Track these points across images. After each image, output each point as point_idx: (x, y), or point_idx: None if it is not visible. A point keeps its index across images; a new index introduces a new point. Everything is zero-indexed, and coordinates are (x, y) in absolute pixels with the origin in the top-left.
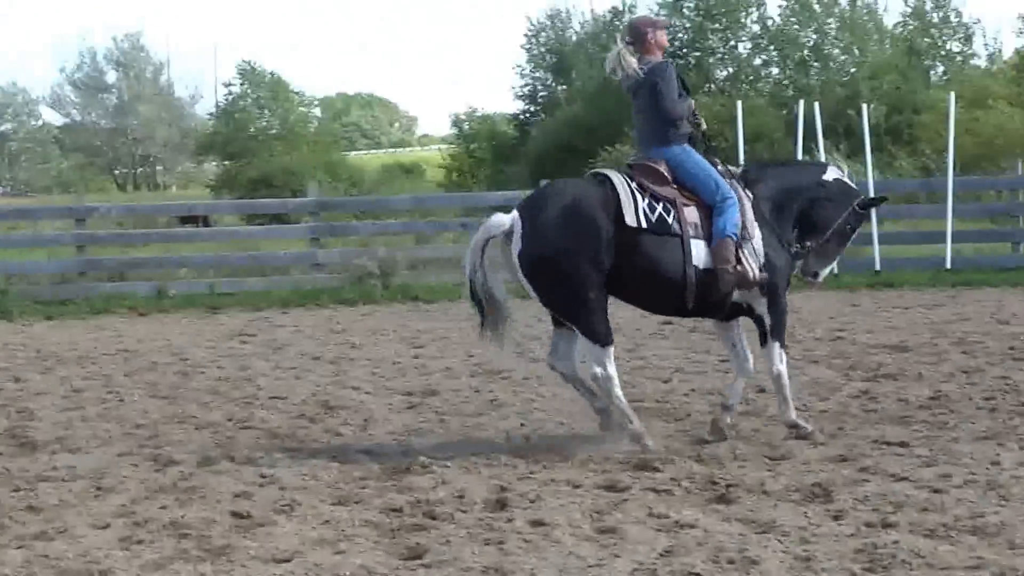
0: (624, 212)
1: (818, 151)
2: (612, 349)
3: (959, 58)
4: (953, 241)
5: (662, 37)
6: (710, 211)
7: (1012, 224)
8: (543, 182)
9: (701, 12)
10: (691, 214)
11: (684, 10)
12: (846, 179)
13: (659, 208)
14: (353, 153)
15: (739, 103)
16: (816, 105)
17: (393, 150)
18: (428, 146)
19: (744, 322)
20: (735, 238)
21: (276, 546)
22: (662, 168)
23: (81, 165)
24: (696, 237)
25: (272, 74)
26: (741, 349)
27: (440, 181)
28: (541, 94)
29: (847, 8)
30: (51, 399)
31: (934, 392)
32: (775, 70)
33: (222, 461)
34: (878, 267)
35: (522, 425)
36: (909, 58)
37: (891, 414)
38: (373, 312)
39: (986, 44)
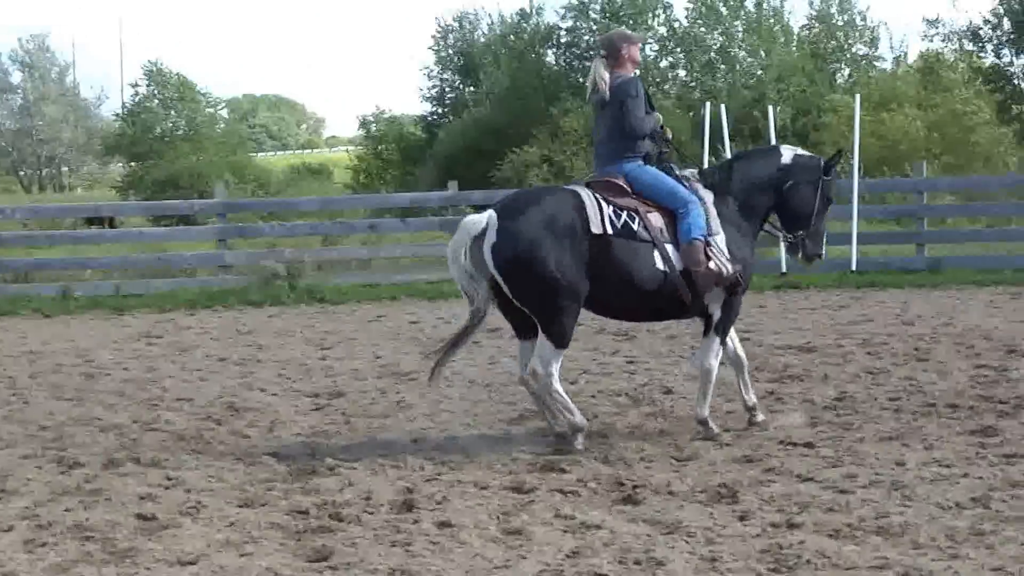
0: (590, 221)
1: (724, 154)
2: (562, 355)
3: (864, 61)
4: (858, 243)
5: (635, 52)
6: (674, 216)
7: (917, 226)
8: (451, 183)
9: (608, 14)
10: (656, 219)
11: (590, 12)
12: (802, 153)
13: (623, 215)
14: (260, 154)
15: None
16: (723, 107)
17: (300, 151)
18: (336, 147)
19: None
20: (702, 239)
21: (181, 548)
22: (620, 182)
23: None
24: (666, 241)
25: (178, 75)
26: (732, 345)
27: (348, 183)
28: (449, 96)
29: (753, 11)
30: None
31: (839, 393)
32: (682, 72)
33: (127, 463)
34: (784, 269)
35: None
36: (815, 61)
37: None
38: (280, 314)
39: (892, 47)
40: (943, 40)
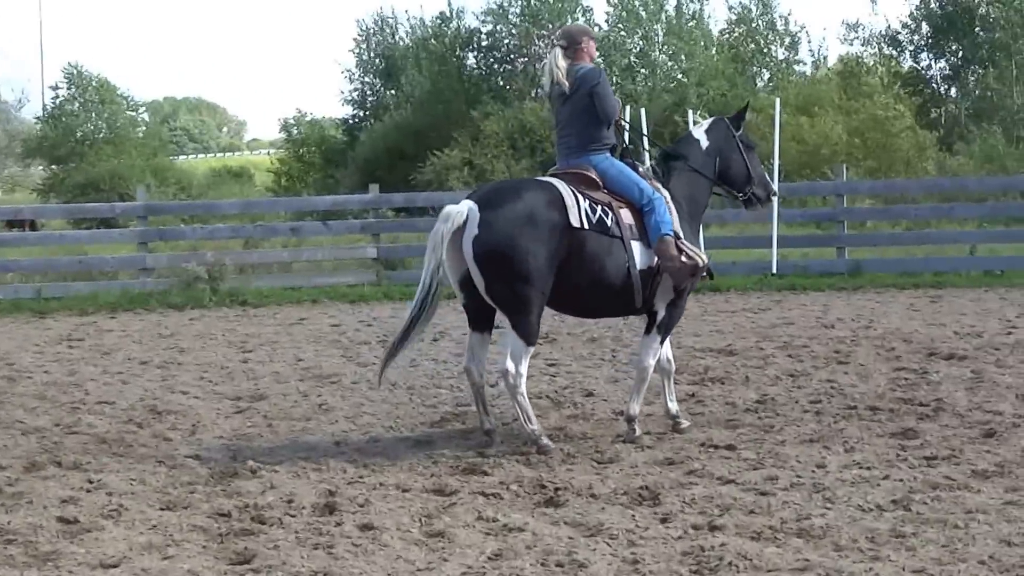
0: (569, 214)
1: (644, 157)
2: (532, 351)
3: (784, 64)
4: (779, 246)
5: (593, 47)
6: (640, 213)
7: (837, 229)
8: (372, 186)
9: (528, 18)
10: (626, 215)
11: (510, 16)
12: (707, 123)
13: (598, 210)
14: (181, 157)
15: None
16: (643, 111)
17: (222, 154)
18: (257, 150)
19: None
20: (672, 234)
21: (103, 552)
22: (592, 174)
23: None
24: (634, 238)
25: (99, 77)
26: (664, 351)
27: (269, 186)
28: (370, 99)
29: (673, 14)
30: None
31: (760, 396)
32: None
33: (49, 466)
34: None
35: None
36: (735, 64)
37: (718, 417)
38: (202, 317)
39: (811, 50)
40: (863, 44)
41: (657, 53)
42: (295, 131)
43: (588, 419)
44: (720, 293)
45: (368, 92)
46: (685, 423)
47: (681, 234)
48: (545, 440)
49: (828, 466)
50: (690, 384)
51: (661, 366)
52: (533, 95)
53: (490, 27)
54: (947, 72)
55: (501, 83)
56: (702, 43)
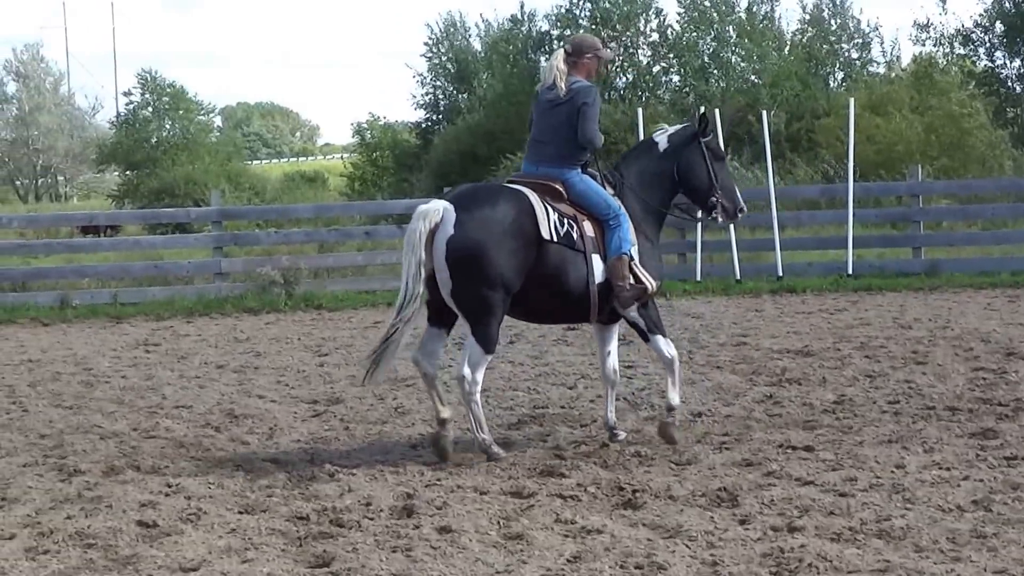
0: (540, 226)
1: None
2: (489, 359)
3: (858, 64)
4: (854, 247)
5: (594, 66)
6: (602, 227)
7: (913, 229)
8: (447, 189)
9: (598, 21)
10: (588, 229)
11: (581, 19)
12: (672, 129)
13: (565, 223)
14: (255, 162)
15: (640, 110)
16: (717, 112)
17: (295, 159)
18: (330, 155)
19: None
20: (628, 255)
21: (183, 555)
22: (557, 186)
23: None
24: (595, 252)
25: (172, 83)
26: (611, 361)
27: (342, 190)
28: (442, 102)
29: (744, 16)
30: None
31: (838, 396)
32: (675, 77)
33: (127, 471)
34: (780, 273)
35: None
36: (808, 65)
37: (796, 418)
38: (277, 321)
39: (883, 51)
40: (934, 44)
41: (729, 54)
42: (368, 135)
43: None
44: (796, 294)
45: (440, 96)
46: (622, 435)
47: (636, 256)
48: (496, 448)
49: (907, 467)
50: (768, 385)
51: (606, 374)
52: (606, 97)
53: (561, 30)
54: (1023, 71)
55: None
56: (775, 44)
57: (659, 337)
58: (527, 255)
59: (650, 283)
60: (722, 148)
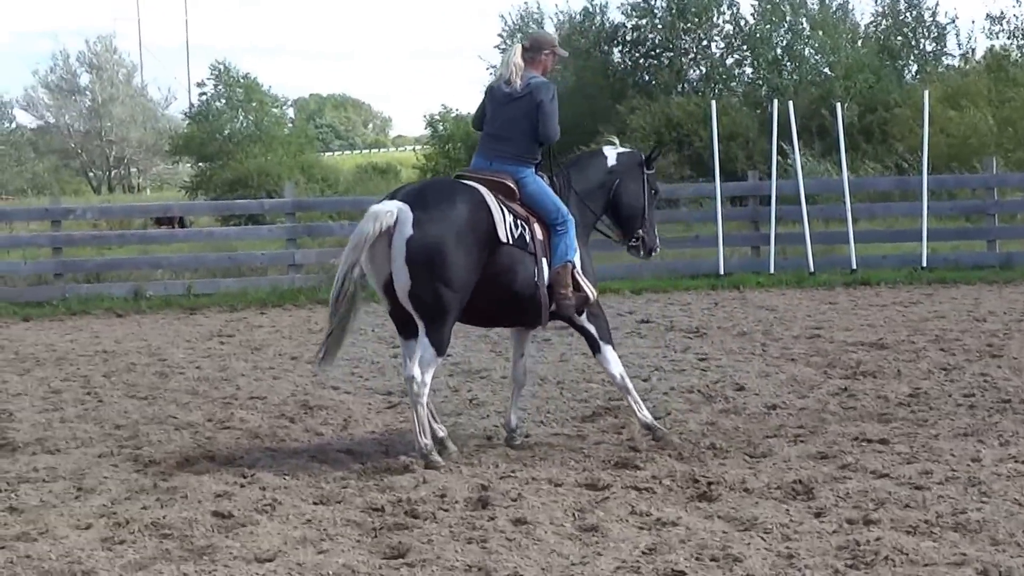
0: (496, 227)
1: (792, 150)
2: (440, 362)
3: (932, 57)
4: (928, 239)
5: (551, 62)
6: (550, 231)
7: (987, 222)
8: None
9: (673, 12)
10: (539, 232)
11: (656, 11)
12: (622, 149)
13: (520, 224)
14: (327, 154)
15: (713, 103)
16: (790, 104)
17: (367, 151)
18: (402, 147)
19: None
20: (572, 263)
21: (258, 546)
22: (510, 184)
23: (55, 167)
24: (544, 255)
25: (246, 76)
26: (522, 362)
27: (414, 181)
28: None
29: (817, 8)
30: (30, 400)
31: (913, 389)
32: (748, 70)
33: (202, 461)
34: (854, 265)
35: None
36: (882, 57)
37: (871, 411)
38: None
39: (959, 43)
40: (1008, 37)
41: (803, 46)
42: (441, 127)
43: (739, 413)
44: (870, 287)
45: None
46: (519, 440)
47: (578, 264)
48: (435, 456)
49: (983, 460)
50: (842, 378)
51: (516, 376)
52: (679, 89)
53: (635, 21)
54: None
55: (647, 78)
56: (848, 36)
57: (608, 349)
58: (482, 254)
59: (591, 292)
60: (657, 186)
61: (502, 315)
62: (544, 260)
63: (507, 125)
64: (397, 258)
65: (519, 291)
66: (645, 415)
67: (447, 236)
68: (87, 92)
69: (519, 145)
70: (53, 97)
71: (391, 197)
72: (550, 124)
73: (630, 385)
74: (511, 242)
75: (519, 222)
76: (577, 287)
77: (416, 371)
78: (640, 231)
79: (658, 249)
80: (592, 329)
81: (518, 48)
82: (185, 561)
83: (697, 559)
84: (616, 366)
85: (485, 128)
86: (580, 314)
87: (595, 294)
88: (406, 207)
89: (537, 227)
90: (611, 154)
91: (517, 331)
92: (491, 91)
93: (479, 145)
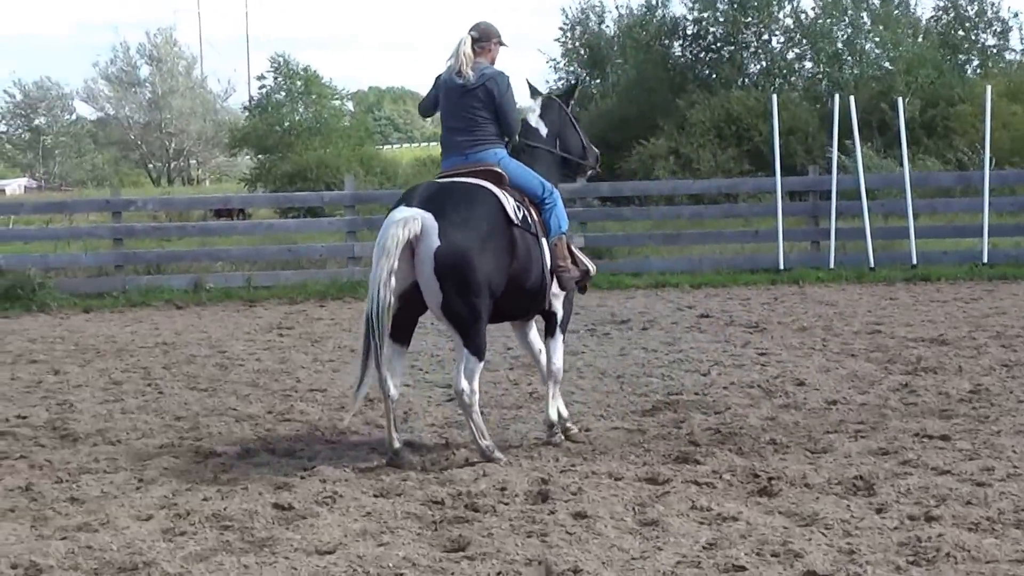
0: (512, 218)
1: (854, 146)
2: (482, 366)
3: (994, 51)
4: (990, 235)
5: (497, 53)
6: (539, 207)
7: None
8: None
9: (735, 6)
10: (534, 212)
11: (718, 4)
12: (537, 108)
13: (521, 208)
14: (386, 147)
15: (774, 97)
16: (851, 99)
17: (426, 144)
18: None
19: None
20: (567, 234)
21: (319, 538)
22: (498, 169)
23: (115, 159)
24: (543, 236)
25: (306, 68)
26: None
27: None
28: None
29: (879, 3)
30: (91, 391)
31: (974, 386)
32: (808, 64)
33: (263, 453)
34: (914, 261)
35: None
36: (943, 52)
37: (932, 407)
38: None
39: (1022, 38)
40: None
41: (864, 41)
42: None
43: (800, 408)
44: (931, 283)
45: (573, 81)
46: (574, 428)
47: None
48: (498, 453)
49: None
50: (903, 374)
51: (549, 371)
52: (740, 83)
53: (697, 15)
54: None
55: (707, 72)
56: (910, 30)
57: (560, 340)
58: (508, 252)
59: (591, 265)
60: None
61: (520, 306)
62: (543, 239)
63: (467, 116)
64: (425, 270)
65: (536, 276)
66: (554, 416)
67: (473, 243)
68: (147, 84)
69: (484, 131)
70: (113, 89)
71: (405, 202)
72: (510, 117)
73: (560, 378)
74: (521, 226)
75: (519, 206)
76: (574, 259)
77: (464, 383)
78: (590, 161)
79: (599, 158)
80: (560, 314)
81: (468, 39)
82: (246, 553)
83: (758, 554)
84: (560, 357)
85: (445, 122)
86: (583, 291)
87: (593, 268)
88: (429, 216)
89: (534, 208)
90: (538, 123)
91: (521, 326)
92: (443, 83)
93: (444, 141)
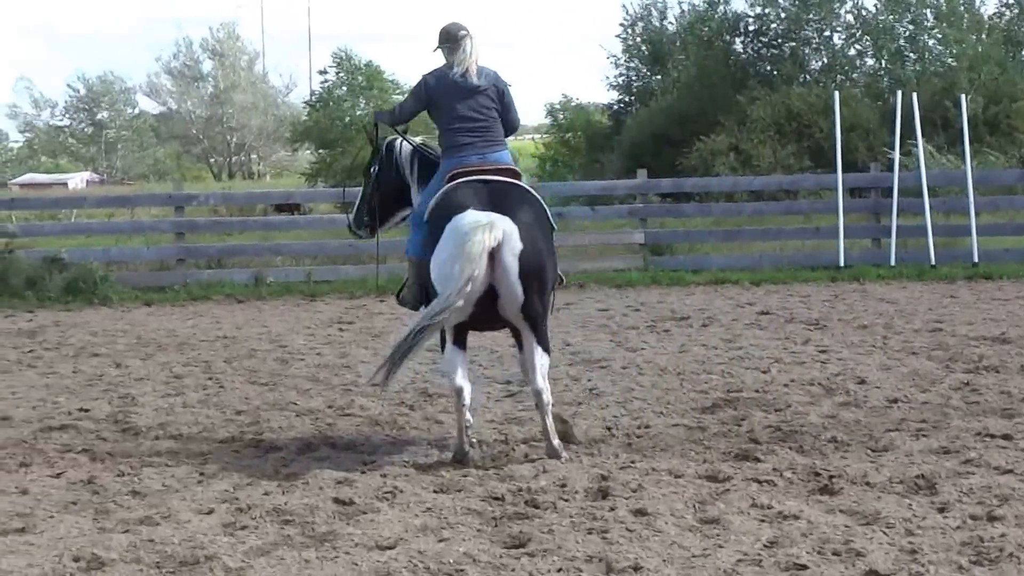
0: (548, 211)
1: (916, 143)
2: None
3: None
4: None
5: None
6: None
7: None
8: (640, 171)
9: (797, 2)
10: None
11: (780, 0)
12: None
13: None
14: None
15: (836, 93)
16: (914, 96)
17: None
18: (520, 135)
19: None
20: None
21: (379, 533)
22: (519, 170)
23: (177, 153)
24: None
25: (368, 63)
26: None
27: (533, 171)
28: (636, 84)
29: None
30: (152, 385)
31: None
32: (870, 60)
33: (323, 448)
34: (976, 259)
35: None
36: (1007, 48)
37: (994, 406)
38: None
39: None
40: None
41: (926, 38)
42: (560, 116)
43: (861, 406)
44: (992, 281)
45: (634, 77)
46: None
47: None
48: (566, 453)
49: None
50: (964, 372)
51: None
52: (801, 80)
53: (758, 11)
54: None
55: (768, 68)
56: (973, 27)
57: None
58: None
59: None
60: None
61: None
62: None
63: (480, 116)
64: (510, 275)
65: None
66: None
67: (547, 245)
68: (209, 79)
69: (497, 132)
70: (176, 84)
71: (467, 206)
72: (516, 112)
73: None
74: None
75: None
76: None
77: (541, 382)
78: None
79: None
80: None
81: (472, 39)
82: (307, 547)
83: (819, 553)
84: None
85: (450, 123)
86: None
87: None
88: (508, 220)
89: None
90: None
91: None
92: (449, 82)
93: (450, 141)
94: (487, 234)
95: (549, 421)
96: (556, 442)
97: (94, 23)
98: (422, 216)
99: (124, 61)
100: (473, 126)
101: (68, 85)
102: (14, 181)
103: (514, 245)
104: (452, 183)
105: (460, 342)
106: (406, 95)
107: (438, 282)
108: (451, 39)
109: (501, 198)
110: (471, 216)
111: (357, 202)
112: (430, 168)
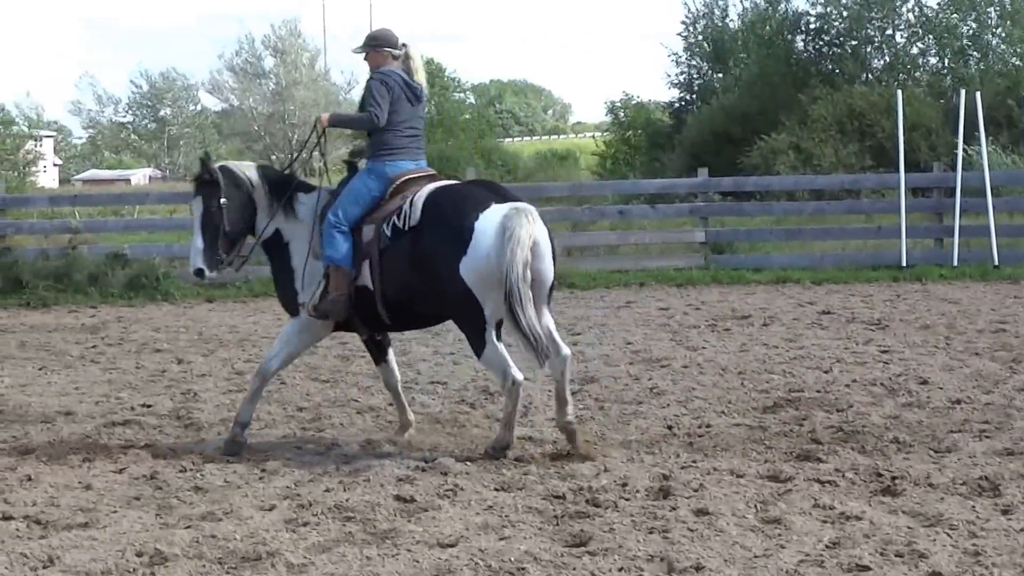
0: None
1: (979, 142)
2: None
3: None
4: None
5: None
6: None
7: None
8: (701, 170)
9: (859, 1)
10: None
11: (843, 1)
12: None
13: None
14: (507, 140)
15: (899, 92)
16: (977, 95)
17: (546, 137)
18: (581, 133)
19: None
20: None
21: (440, 531)
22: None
23: (239, 150)
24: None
25: (429, 61)
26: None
27: (593, 169)
28: (697, 82)
29: None
30: (214, 381)
31: None
32: (933, 59)
33: (384, 445)
34: None
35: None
36: None
37: None
38: None
39: None
40: None
41: (990, 36)
42: (621, 114)
43: (924, 407)
44: None
45: (695, 75)
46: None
47: None
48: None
49: None
50: None
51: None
52: (863, 79)
53: (820, 9)
54: None
55: (830, 66)
56: None
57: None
58: None
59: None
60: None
61: None
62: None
63: (421, 125)
64: (547, 260)
65: None
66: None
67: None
68: (271, 76)
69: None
70: (238, 80)
71: (492, 200)
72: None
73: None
74: None
75: None
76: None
77: (567, 349)
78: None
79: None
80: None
81: (416, 48)
82: (368, 544)
83: (882, 554)
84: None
85: (406, 128)
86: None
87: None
88: (530, 206)
89: None
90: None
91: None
92: (407, 87)
93: (397, 143)
94: (533, 222)
95: (569, 392)
96: (571, 409)
97: (156, 20)
98: (347, 224)
99: (186, 58)
100: (414, 133)
101: (131, 81)
102: (77, 177)
103: (547, 231)
104: (445, 184)
105: (499, 337)
106: (371, 97)
107: (488, 276)
108: (397, 45)
109: (503, 190)
110: (503, 208)
111: (201, 245)
112: (282, 185)
